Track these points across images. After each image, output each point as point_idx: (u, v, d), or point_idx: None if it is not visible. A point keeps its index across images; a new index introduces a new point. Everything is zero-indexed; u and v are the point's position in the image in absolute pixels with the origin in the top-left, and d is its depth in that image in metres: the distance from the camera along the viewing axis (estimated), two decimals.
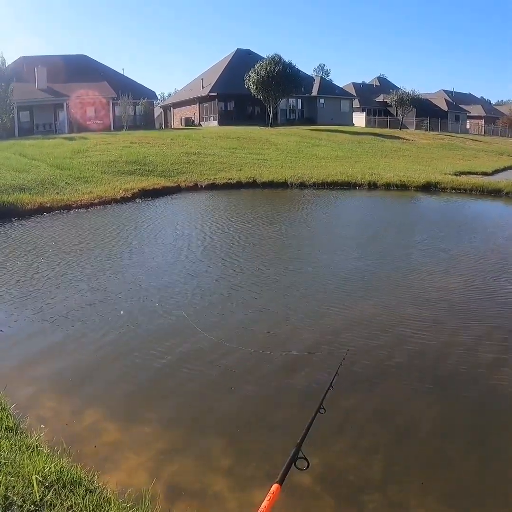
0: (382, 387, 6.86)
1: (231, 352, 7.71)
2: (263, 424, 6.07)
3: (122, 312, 9.22)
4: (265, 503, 2.63)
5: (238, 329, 8.72)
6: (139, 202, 21.29)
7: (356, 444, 5.69)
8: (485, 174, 33.74)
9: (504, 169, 38.50)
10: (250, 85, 54.67)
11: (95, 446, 5.42)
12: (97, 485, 4.48)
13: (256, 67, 54.50)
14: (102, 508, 4.13)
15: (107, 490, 4.42)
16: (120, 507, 4.17)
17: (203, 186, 25.41)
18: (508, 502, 4.82)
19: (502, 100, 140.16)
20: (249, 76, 54.68)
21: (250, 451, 5.53)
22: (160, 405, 6.38)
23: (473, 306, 9.82)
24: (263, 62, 54.87)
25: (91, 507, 4.09)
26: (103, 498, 4.26)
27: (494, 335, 8.44)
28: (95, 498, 4.22)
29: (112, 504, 4.18)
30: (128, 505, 4.22)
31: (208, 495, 4.83)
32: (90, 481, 4.52)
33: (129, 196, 21.47)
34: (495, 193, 25.89)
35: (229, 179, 26.45)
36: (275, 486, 2.76)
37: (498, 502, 4.81)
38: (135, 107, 57.06)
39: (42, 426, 5.48)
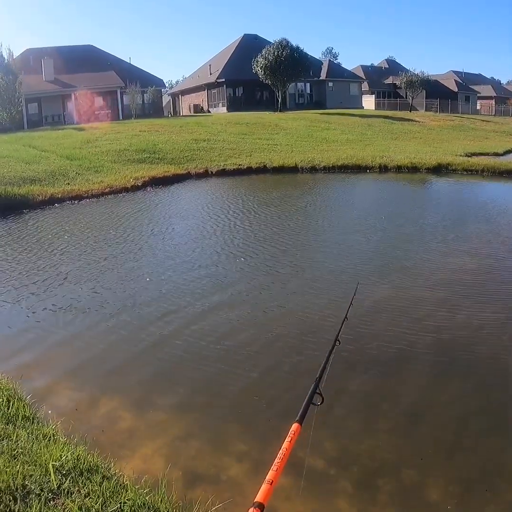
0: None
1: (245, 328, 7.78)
2: (279, 408, 6.11)
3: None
4: (285, 444, 2.62)
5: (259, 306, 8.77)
6: (150, 190, 21.30)
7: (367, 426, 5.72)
8: (496, 154, 33.50)
9: None
10: (258, 70, 54.40)
11: (102, 431, 5.48)
12: (114, 472, 4.52)
13: (263, 52, 54.17)
14: (119, 494, 4.16)
15: (123, 477, 4.45)
16: (137, 493, 4.20)
17: (213, 173, 25.40)
18: None
19: None
20: (257, 61, 54.38)
21: (265, 435, 5.56)
22: (174, 390, 6.43)
23: None
24: (270, 47, 54.54)
25: (108, 493, 4.12)
26: (120, 485, 4.29)
27: None
28: (111, 484, 4.25)
29: (129, 491, 4.21)
30: (144, 491, 4.24)
31: (223, 480, 4.86)
32: (106, 468, 4.55)
33: (139, 184, 21.51)
34: (507, 173, 25.71)
35: (239, 165, 26.41)
36: (295, 425, 2.73)
37: None
38: (143, 95, 57.03)
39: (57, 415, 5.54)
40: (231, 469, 4.99)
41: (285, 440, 2.64)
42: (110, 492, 4.15)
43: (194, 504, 4.31)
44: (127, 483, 4.33)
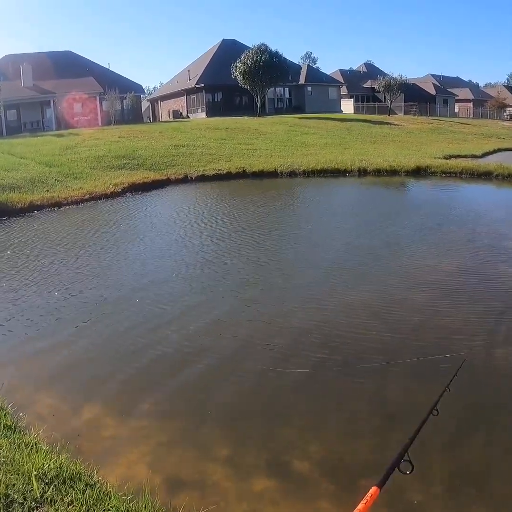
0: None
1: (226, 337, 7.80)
2: (261, 412, 6.13)
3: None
4: (361, 505, 2.52)
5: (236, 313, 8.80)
6: (129, 196, 21.23)
7: None
8: (474, 157, 33.77)
9: (494, 151, 38.52)
10: (237, 75, 54.49)
11: (85, 438, 5.46)
12: (97, 479, 4.51)
13: (242, 57, 54.27)
14: (103, 502, 4.15)
15: (107, 484, 4.45)
16: (120, 500, 4.20)
17: (193, 178, 25.34)
18: None
19: (490, 83, 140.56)
20: (236, 66, 54.47)
21: (248, 440, 5.58)
22: (157, 397, 6.43)
23: None
24: (249, 52, 54.65)
25: (91, 501, 4.12)
26: (103, 492, 4.29)
27: None
28: (95, 492, 4.24)
29: (112, 498, 4.21)
30: (128, 498, 4.24)
31: (207, 485, 4.87)
32: (89, 475, 4.54)
33: (119, 190, 21.42)
34: (485, 175, 25.96)
35: (218, 170, 26.36)
36: (373, 489, 2.64)
37: None
38: (122, 101, 56.82)
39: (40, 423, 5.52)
40: (215, 474, 5.00)
41: (361, 502, 2.55)
42: (93, 499, 4.14)
43: (178, 510, 4.32)
44: (110, 491, 4.33)
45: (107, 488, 4.38)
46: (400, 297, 9.67)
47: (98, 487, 4.35)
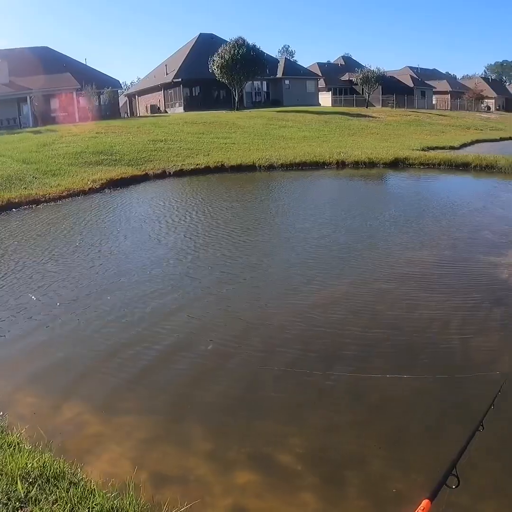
0: None
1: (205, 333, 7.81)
2: (242, 407, 6.17)
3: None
4: None
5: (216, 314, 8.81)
6: (107, 192, 21.10)
7: None
8: (452, 148, 34.05)
9: (472, 143, 38.81)
10: (215, 70, 54.33)
11: (68, 436, 5.46)
12: (81, 477, 4.52)
13: (220, 51, 54.11)
14: (87, 500, 4.16)
15: (90, 482, 4.45)
16: (105, 497, 4.20)
17: (171, 173, 25.17)
18: None
19: (468, 75, 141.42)
20: (213, 61, 54.28)
21: (229, 434, 5.61)
22: (137, 394, 6.44)
23: None
24: (226, 45, 54.48)
25: (75, 499, 4.12)
26: (87, 490, 4.29)
27: None
28: (79, 490, 4.24)
29: (97, 495, 4.21)
30: (112, 496, 4.25)
31: (191, 480, 4.89)
32: (73, 474, 4.55)
33: (97, 187, 21.27)
34: (463, 166, 26.19)
35: (197, 165, 26.26)
36: (425, 502, 2.67)
37: None
38: (99, 97, 56.43)
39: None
40: (198, 469, 5.02)
41: None
42: (77, 498, 4.14)
43: (163, 505, 4.33)
44: (94, 488, 4.33)
45: (91, 486, 4.38)
46: (378, 290, 9.73)
47: (82, 485, 4.35)
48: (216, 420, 5.89)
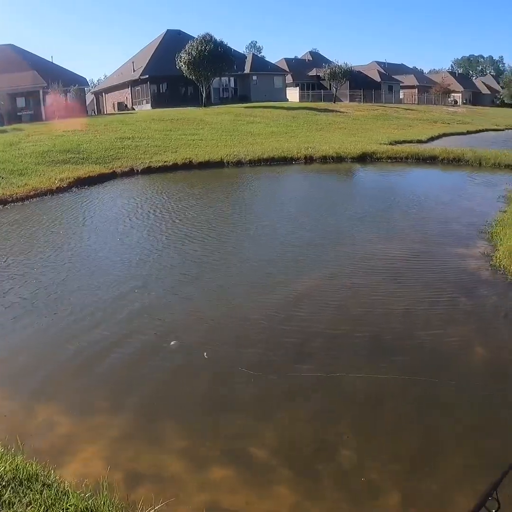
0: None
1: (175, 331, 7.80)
2: (213, 404, 6.19)
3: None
4: None
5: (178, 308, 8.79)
6: (75, 191, 20.89)
7: None
8: (420, 142, 34.38)
9: (439, 136, 39.22)
10: (182, 66, 54.02)
11: (40, 438, 5.42)
12: (54, 479, 4.50)
13: (187, 47, 53.79)
14: (61, 501, 4.15)
15: (64, 483, 4.45)
16: (79, 498, 4.20)
17: (139, 171, 25.00)
18: None
19: (435, 69, 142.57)
20: (180, 57, 53.96)
21: (202, 431, 5.62)
22: (108, 393, 6.43)
23: None
24: (194, 41, 54.17)
25: (49, 501, 4.11)
26: (61, 491, 4.28)
27: None
28: (52, 492, 4.24)
29: (71, 496, 4.21)
30: (86, 496, 4.25)
31: (165, 477, 4.91)
32: (46, 475, 4.53)
33: (65, 185, 21.05)
34: (430, 160, 26.50)
35: (164, 162, 26.13)
36: None
37: None
38: (66, 94, 55.90)
39: None
40: (172, 466, 5.04)
41: None
42: (51, 499, 4.13)
43: (137, 504, 4.34)
44: (68, 489, 4.32)
45: (65, 487, 4.37)
46: (347, 284, 9.80)
47: (56, 487, 4.34)
48: (189, 418, 5.90)
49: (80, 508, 4.08)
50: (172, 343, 7.49)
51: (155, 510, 4.30)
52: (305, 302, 9.05)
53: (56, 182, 21.18)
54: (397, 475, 4.94)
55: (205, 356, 7.04)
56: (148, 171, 25.00)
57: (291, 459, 5.18)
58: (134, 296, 9.52)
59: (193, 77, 54.89)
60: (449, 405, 5.98)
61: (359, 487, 4.80)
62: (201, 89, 56.34)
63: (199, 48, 52.70)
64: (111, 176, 23.84)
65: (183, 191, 20.28)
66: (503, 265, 10.28)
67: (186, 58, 53.24)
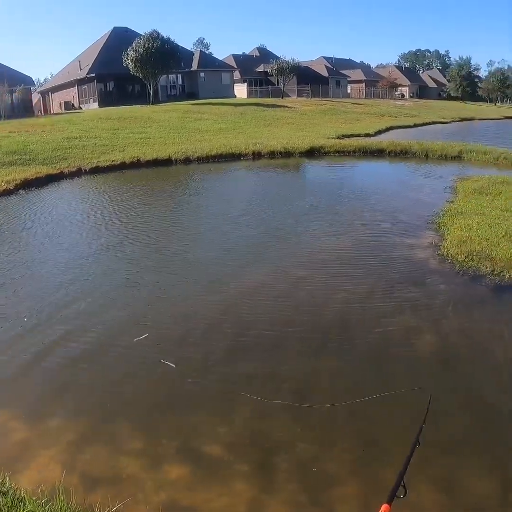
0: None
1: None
2: (166, 402, 6.22)
3: None
4: None
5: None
6: (22, 193, 20.50)
7: None
8: (368, 135, 34.89)
9: (386, 129, 39.84)
10: (129, 64, 53.66)
11: None
12: (9, 486, 4.47)
13: (134, 44, 53.49)
14: (17, 508, 4.13)
15: (20, 490, 4.41)
16: (35, 504, 4.18)
17: (87, 171, 24.58)
18: None
19: (382, 64, 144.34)
20: (127, 54, 53.59)
21: (157, 430, 5.64)
22: (61, 396, 6.37)
23: None
24: (140, 39, 53.90)
25: (5, 509, 4.08)
26: (17, 498, 4.26)
27: None
28: (8, 499, 4.21)
29: (27, 503, 4.18)
30: (43, 502, 4.23)
31: (122, 478, 4.90)
32: (1, 483, 4.49)
33: (11, 188, 20.58)
34: (378, 153, 26.93)
35: (112, 161, 25.77)
36: (384, 506, 2.86)
37: None
38: (11, 94, 55.15)
39: None
40: (128, 467, 5.03)
41: None
42: (7, 507, 4.10)
43: (95, 507, 4.34)
44: (24, 496, 4.29)
45: (20, 493, 4.34)
46: (296, 277, 9.88)
47: (12, 494, 4.31)
48: (144, 417, 5.90)
49: None
50: (136, 339, 7.47)
51: (112, 511, 4.31)
52: (255, 296, 9.12)
53: (2, 184, 20.73)
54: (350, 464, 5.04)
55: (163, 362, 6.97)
56: (96, 171, 24.63)
57: (246, 453, 5.24)
58: (83, 296, 9.34)
59: (140, 75, 54.62)
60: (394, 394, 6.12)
61: (315, 478, 4.90)
62: (149, 86, 56.08)
63: (146, 45, 52.47)
64: (59, 176, 23.41)
65: (128, 191, 19.92)
66: (451, 254, 10.59)
67: (133, 55, 52.94)
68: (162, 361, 6.81)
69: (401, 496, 3.02)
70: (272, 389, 6.29)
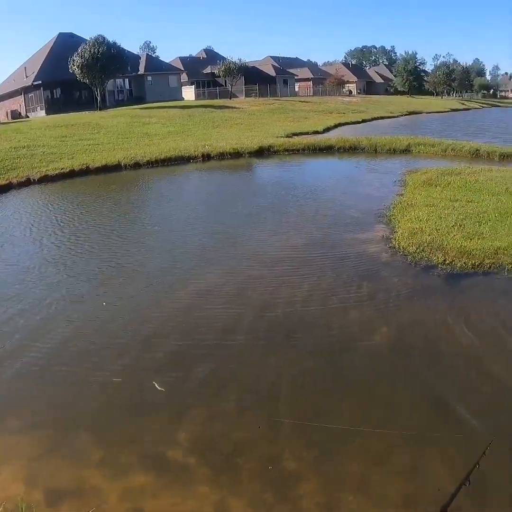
0: None
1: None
2: (124, 411, 6.21)
3: None
4: None
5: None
6: None
7: None
8: (317, 133, 35.26)
9: (335, 126, 40.26)
10: (75, 69, 53.06)
11: None
12: None
13: (79, 50, 52.90)
14: None
15: None
16: None
17: (36, 180, 24.12)
18: None
19: (329, 61, 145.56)
20: (73, 60, 52.93)
21: (117, 439, 5.63)
22: (19, 411, 6.28)
23: None
24: (86, 44, 53.42)
25: None
26: None
27: None
28: None
29: None
30: None
31: (86, 490, 4.88)
32: None
33: None
34: (327, 149, 27.25)
35: (61, 169, 25.24)
36: None
37: None
38: None
39: None
40: (92, 478, 5.00)
41: None
42: None
43: None
44: None
45: None
46: (248, 277, 9.96)
47: None
48: (104, 427, 5.88)
49: None
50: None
51: None
52: (209, 296, 9.15)
53: None
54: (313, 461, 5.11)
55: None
56: (45, 179, 24.15)
57: (208, 455, 5.27)
58: (35, 311, 9.10)
59: (87, 81, 54.17)
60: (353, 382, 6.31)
61: (278, 476, 4.96)
62: (96, 92, 55.66)
63: (92, 50, 52.05)
64: (7, 187, 23.00)
65: (75, 200, 19.33)
66: (402, 246, 10.81)
67: (79, 61, 52.45)
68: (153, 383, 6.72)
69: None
70: (228, 392, 6.34)
